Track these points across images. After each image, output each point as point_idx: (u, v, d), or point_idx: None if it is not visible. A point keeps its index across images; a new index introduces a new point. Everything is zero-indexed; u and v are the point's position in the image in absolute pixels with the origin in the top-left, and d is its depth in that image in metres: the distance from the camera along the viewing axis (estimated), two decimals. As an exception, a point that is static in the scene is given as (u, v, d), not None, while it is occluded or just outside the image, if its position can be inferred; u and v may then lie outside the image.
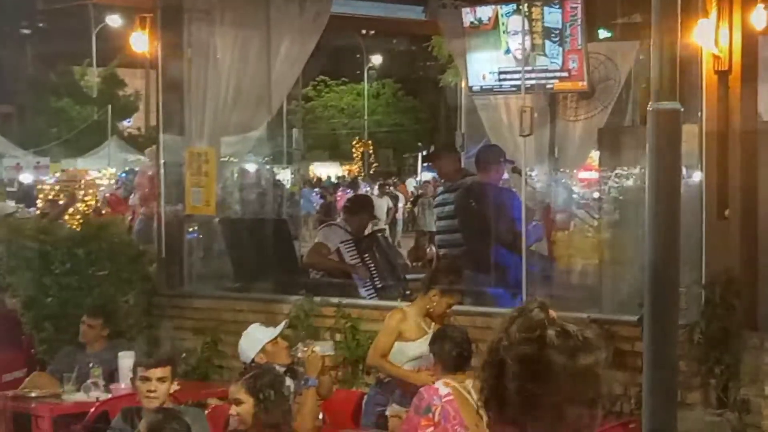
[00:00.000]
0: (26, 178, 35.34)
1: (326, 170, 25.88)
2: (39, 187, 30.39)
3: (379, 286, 11.95)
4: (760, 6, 9.08)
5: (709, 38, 8.87)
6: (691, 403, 8.52)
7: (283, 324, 9.44)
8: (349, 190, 23.04)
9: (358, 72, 38.16)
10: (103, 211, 23.34)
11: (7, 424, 9.03)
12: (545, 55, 10.23)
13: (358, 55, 35.52)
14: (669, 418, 6.12)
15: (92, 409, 8.69)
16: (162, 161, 12.42)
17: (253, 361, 8.61)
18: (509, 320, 2.75)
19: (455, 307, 9.40)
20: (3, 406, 9.16)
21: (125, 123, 40.21)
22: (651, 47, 6.48)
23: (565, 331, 2.61)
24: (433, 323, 8.87)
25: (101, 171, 30.55)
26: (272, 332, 9.00)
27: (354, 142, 32.07)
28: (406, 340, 8.92)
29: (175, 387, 7.72)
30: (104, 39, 38.12)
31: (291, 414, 7.50)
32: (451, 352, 7.83)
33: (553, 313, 2.61)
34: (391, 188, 25.06)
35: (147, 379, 7.44)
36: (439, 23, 13.68)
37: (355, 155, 29.32)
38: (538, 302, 2.70)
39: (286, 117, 15.59)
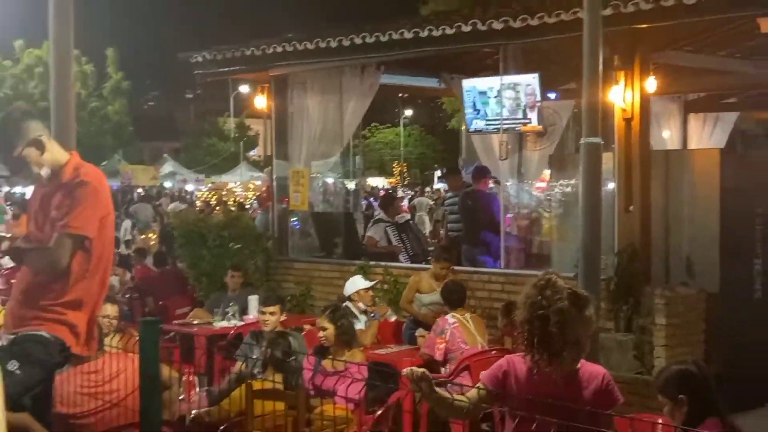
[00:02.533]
0: (189, 187, 36.90)
1: (377, 182, 27.91)
2: (198, 193, 32.74)
3: (411, 254, 12.74)
4: (652, 77, 10.08)
5: (619, 98, 9.71)
6: (608, 329, 9.10)
7: (376, 281, 10.48)
8: (384, 191, 23.60)
9: (396, 120, 42.91)
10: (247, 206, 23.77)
11: (181, 341, 9.79)
12: (516, 109, 10.78)
13: (396, 109, 39.48)
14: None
15: (231, 332, 9.50)
16: (274, 177, 13.54)
17: (349, 297, 9.64)
18: (541, 286, 3.74)
19: (461, 267, 10.65)
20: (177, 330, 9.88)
21: (251, 153, 42.52)
22: (582, 104, 7.96)
23: (576, 292, 3.75)
24: (439, 282, 9.59)
25: (235, 183, 33.38)
26: (367, 283, 9.98)
27: (394, 164, 35.78)
28: (421, 292, 9.89)
29: (283, 318, 8.46)
30: (238, 100, 41.49)
31: (357, 335, 8.03)
32: (453, 296, 8.72)
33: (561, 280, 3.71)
34: (415, 194, 28.02)
35: (264, 312, 8.36)
36: (447, 89, 14.24)
37: (395, 172, 32.32)
38: (553, 273, 3.79)
39: (351, 148, 16.50)
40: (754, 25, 9.43)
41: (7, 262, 11.84)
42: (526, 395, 3.67)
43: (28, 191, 4.83)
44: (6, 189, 29.46)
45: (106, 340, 5.49)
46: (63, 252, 4.36)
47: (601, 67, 7.50)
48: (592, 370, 3.85)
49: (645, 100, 10.03)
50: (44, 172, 4.50)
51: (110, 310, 6.49)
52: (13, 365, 4.23)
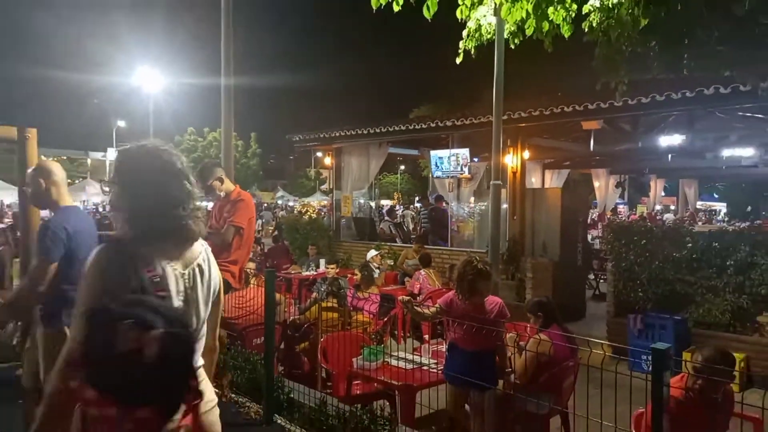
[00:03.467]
0: (291, 204, 35.66)
1: (385, 202, 27.67)
2: (295, 207, 31.46)
3: (402, 239, 12.59)
4: (526, 151, 9.89)
5: (509, 160, 9.65)
6: (504, 279, 8.51)
7: (380, 251, 10.41)
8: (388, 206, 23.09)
9: (395, 170, 42.19)
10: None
11: (285, 281, 8.82)
12: (457, 166, 10.51)
13: (395, 165, 38.97)
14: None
15: (310, 277, 9.11)
16: (334, 198, 12.96)
17: (369, 259, 9.49)
18: (466, 261, 3.68)
19: (428, 246, 10.29)
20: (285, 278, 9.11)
21: (322, 186, 42.26)
22: (492, 163, 7.38)
23: (486, 262, 3.75)
24: (416, 254, 9.52)
25: (314, 202, 33.35)
26: (376, 252, 9.99)
27: (394, 193, 35.31)
28: (407, 259, 9.77)
29: (336, 270, 8.13)
30: (315, 158, 40.79)
31: (374, 279, 7.97)
32: (425, 260, 8.63)
33: (479, 258, 3.68)
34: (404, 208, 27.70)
35: (328, 267, 8.16)
36: (422, 155, 14.32)
37: (395, 197, 31.91)
38: (473, 255, 3.77)
39: (373, 184, 17.04)
40: (579, 125, 9.41)
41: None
42: (459, 313, 3.64)
43: (210, 205, 4.81)
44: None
45: (250, 280, 5.39)
46: (228, 235, 4.39)
47: (501, 145, 7.13)
48: (493, 300, 3.79)
49: (523, 162, 9.93)
50: (222, 194, 4.54)
51: (251, 265, 6.36)
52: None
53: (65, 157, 42.84)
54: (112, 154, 46.51)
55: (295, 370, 5.26)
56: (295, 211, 26.02)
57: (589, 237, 11.61)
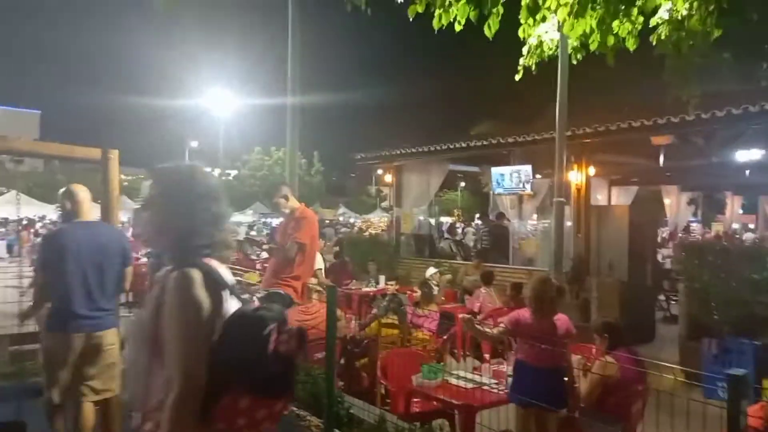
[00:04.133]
0: (352, 220, 34.98)
1: (445, 219, 26.76)
2: (357, 223, 31.46)
3: (463, 256, 12.09)
4: (591, 167, 9.70)
5: (574, 177, 9.45)
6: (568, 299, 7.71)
7: (439, 269, 9.95)
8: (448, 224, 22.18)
9: (455, 186, 40.84)
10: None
11: (346, 297, 8.57)
12: (519, 183, 10.34)
13: (455, 182, 37.51)
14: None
15: (371, 293, 8.95)
16: (395, 216, 12.92)
17: (428, 277, 9.04)
18: (544, 279, 3.86)
19: (488, 264, 9.84)
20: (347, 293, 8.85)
21: (383, 204, 41.91)
22: (555, 180, 7.60)
23: (557, 282, 3.93)
24: (477, 270, 9.31)
25: (375, 219, 32.30)
26: (435, 270, 9.59)
27: (454, 210, 34.22)
28: (467, 275, 9.53)
29: (396, 286, 8.56)
30: (376, 176, 40.02)
31: (434, 296, 7.57)
32: (486, 278, 8.33)
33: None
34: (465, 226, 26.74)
35: (387, 284, 8.65)
36: (483, 172, 13.45)
37: (456, 214, 30.71)
38: (548, 273, 4.78)
39: (433, 201, 16.08)
40: (648, 140, 9.08)
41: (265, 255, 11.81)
42: (529, 331, 3.65)
43: (275, 222, 4.96)
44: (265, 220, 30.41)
45: (312, 296, 5.43)
46: (291, 251, 4.49)
47: (564, 161, 7.24)
48: (562, 318, 3.79)
49: (588, 179, 9.73)
50: (287, 211, 4.65)
51: (314, 281, 6.46)
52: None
53: (142, 176, 45.10)
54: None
55: (354, 386, 5.27)
56: (356, 228, 26.16)
57: (660, 256, 11.20)
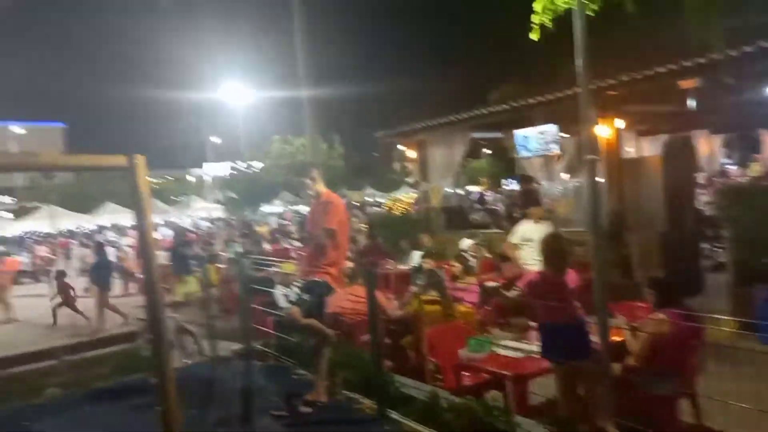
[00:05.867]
0: (379, 200, 34.95)
1: (472, 188, 25.63)
2: (385, 202, 31.15)
3: (497, 225, 12.02)
4: (619, 119, 9.41)
5: (602, 132, 9.18)
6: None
7: (475, 240, 9.99)
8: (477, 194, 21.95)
9: (480, 155, 39.17)
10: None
11: (384, 282, 8.32)
12: (544, 144, 10.21)
13: (479, 149, 35.94)
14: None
15: (407, 270, 8.71)
16: (423, 190, 12.95)
17: (463, 249, 9.32)
18: (556, 235, 4.09)
19: None
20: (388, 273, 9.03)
21: (408, 180, 41.28)
22: (582, 137, 7.91)
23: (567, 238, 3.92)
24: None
25: (403, 196, 31.15)
26: (471, 241, 9.71)
27: (482, 178, 33.29)
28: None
29: (432, 262, 7.68)
30: (400, 153, 39.22)
31: (471, 268, 8.11)
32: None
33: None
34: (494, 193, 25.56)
35: (423, 261, 7.94)
36: (506, 137, 12.36)
37: (483, 182, 29.49)
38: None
39: (459, 172, 13.99)
40: (674, 86, 8.62)
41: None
42: (545, 290, 3.66)
43: (305, 210, 5.00)
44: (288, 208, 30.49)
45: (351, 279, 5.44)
46: (323, 239, 4.46)
47: (591, 116, 7.01)
48: (572, 273, 3.89)
49: (617, 133, 9.48)
50: (312, 192, 4.62)
51: (350, 264, 6.43)
52: (305, 295, 4.34)
53: (170, 177, 45.87)
54: (209, 168, 49.49)
55: (402, 365, 5.28)
56: (383, 207, 26.23)
57: (699, 204, 10.86)
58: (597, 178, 8.36)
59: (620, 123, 9.57)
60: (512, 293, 3.86)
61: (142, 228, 3.57)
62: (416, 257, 9.38)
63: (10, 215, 33.49)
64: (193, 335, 6.37)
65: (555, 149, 10.28)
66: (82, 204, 30.19)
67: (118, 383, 5.21)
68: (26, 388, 5.01)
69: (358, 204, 32.47)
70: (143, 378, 5.05)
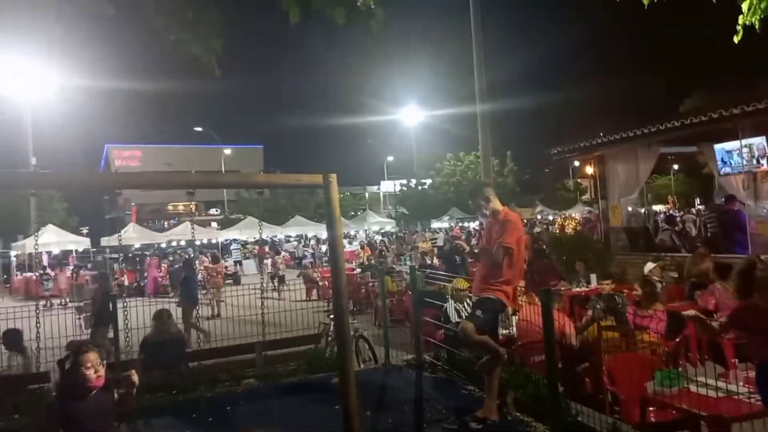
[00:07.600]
0: (549, 217, 32.81)
1: (658, 208, 22.17)
2: (556, 220, 28.43)
3: (687, 248, 10.60)
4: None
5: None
6: None
7: (659, 263, 9.12)
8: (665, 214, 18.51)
9: (667, 171, 35.07)
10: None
11: (563, 304, 7.82)
12: (751, 159, 9.27)
13: (666, 165, 32.08)
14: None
15: (582, 294, 8.30)
16: (601, 209, 12.25)
17: (647, 273, 8.41)
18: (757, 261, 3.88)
19: (721, 255, 8.55)
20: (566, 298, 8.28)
21: (583, 198, 38.51)
22: None
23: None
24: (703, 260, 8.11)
25: (576, 214, 28.27)
26: (654, 264, 8.81)
27: (669, 197, 29.15)
28: (698, 265, 8.15)
29: (612, 286, 7.73)
30: (574, 170, 36.55)
31: (657, 294, 7.00)
32: (723, 271, 6.69)
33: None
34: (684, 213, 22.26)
35: (602, 284, 7.86)
36: (700, 151, 12.25)
37: (671, 201, 25.49)
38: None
39: (644, 190, 13.15)
40: None
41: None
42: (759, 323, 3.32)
43: (473, 226, 4.92)
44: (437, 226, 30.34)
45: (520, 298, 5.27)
46: (499, 255, 4.41)
47: None
48: None
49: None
50: (488, 212, 4.59)
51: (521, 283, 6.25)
52: (479, 312, 4.32)
53: (348, 193, 49.26)
54: (383, 185, 52.51)
55: (577, 392, 5.02)
56: (556, 225, 24.96)
57: None
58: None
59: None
60: (715, 324, 3.44)
61: (332, 239, 3.89)
62: (592, 279, 8.99)
63: (217, 225, 38.83)
64: (368, 342, 6.65)
65: (763, 165, 9.21)
66: (276, 217, 33.67)
67: (303, 379, 5.63)
68: (230, 377, 5.59)
69: (527, 221, 31.55)
70: (326, 376, 5.43)
